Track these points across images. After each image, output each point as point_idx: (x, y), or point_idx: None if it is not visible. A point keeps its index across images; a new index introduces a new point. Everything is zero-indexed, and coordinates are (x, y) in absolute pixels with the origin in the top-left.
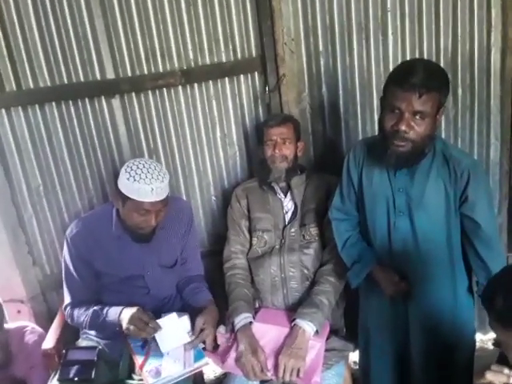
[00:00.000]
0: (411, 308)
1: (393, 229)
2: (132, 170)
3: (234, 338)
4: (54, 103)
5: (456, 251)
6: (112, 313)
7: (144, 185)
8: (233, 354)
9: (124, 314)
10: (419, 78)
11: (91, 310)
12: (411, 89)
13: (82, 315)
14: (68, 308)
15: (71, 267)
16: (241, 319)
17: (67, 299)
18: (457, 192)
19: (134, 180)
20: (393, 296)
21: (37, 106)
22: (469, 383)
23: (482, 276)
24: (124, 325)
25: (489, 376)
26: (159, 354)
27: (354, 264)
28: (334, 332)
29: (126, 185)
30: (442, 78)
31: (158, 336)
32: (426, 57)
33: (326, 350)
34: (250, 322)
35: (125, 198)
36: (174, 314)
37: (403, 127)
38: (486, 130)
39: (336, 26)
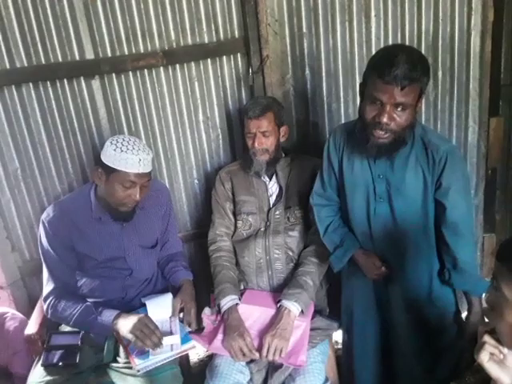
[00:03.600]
0: (392, 289)
1: (373, 215)
2: (118, 142)
3: (221, 319)
4: (31, 84)
5: (431, 235)
6: (107, 314)
7: (132, 155)
8: (219, 336)
9: (122, 320)
10: (401, 70)
11: (83, 305)
12: (393, 81)
13: (70, 308)
14: (51, 297)
15: (51, 249)
16: (227, 301)
17: (49, 286)
18: (434, 177)
19: (121, 151)
20: (375, 279)
21: (13, 86)
22: (455, 356)
23: (449, 262)
24: (126, 330)
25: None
26: None
27: (337, 249)
28: (318, 312)
29: (112, 156)
30: (424, 67)
31: (148, 304)
32: (407, 39)
33: (311, 330)
34: (237, 304)
35: (110, 172)
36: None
37: (385, 119)
38: (465, 113)
39: (319, 7)
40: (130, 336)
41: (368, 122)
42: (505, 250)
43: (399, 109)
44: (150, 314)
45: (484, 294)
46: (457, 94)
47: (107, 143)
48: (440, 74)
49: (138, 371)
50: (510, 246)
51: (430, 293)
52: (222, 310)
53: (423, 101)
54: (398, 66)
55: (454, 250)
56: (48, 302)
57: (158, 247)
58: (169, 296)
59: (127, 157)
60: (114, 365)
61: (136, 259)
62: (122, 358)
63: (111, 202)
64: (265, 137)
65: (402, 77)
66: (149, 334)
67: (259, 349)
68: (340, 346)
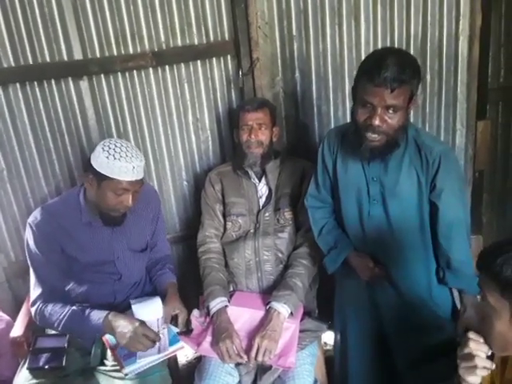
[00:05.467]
0: (386, 290)
1: (367, 217)
2: (110, 148)
3: (210, 321)
4: (18, 84)
5: (428, 236)
6: (95, 316)
7: (125, 163)
8: (208, 338)
9: (115, 327)
10: (390, 72)
11: (69, 310)
12: (382, 84)
13: (57, 313)
14: (39, 303)
15: (38, 252)
16: (216, 303)
17: (36, 291)
18: (428, 179)
19: (115, 158)
20: (369, 281)
21: (0, 87)
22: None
23: (443, 261)
24: (123, 342)
25: (471, 335)
26: None
27: (331, 250)
28: (307, 313)
29: (105, 163)
30: (414, 68)
31: (134, 307)
32: (396, 43)
33: (301, 331)
34: (226, 306)
35: (102, 179)
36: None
37: (376, 122)
38: (453, 117)
39: (309, 10)
40: (133, 346)
41: (360, 124)
42: (483, 259)
43: (390, 111)
44: (136, 317)
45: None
46: (445, 97)
47: (98, 149)
48: (428, 77)
49: (126, 375)
50: (488, 255)
51: (429, 292)
52: (211, 312)
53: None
54: (387, 68)
55: (448, 249)
56: (35, 307)
57: (148, 251)
58: (156, 299)
59: (121, 165)
60: (102, 368)
61: (125, 264)
62: (109, 361)
63: (102, 208)
64: (260, 130)
65: (391, 79)
66: (150, 346)
67: (248, 350)
68: (329, 348)
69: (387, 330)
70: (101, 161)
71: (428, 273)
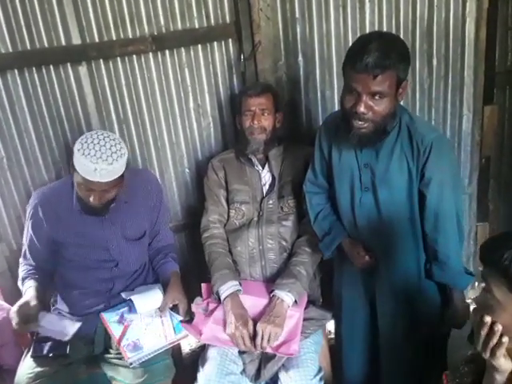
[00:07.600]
0: (378, 279)
1: (358, 204)
2: (86, 142)
3: (213, 309)
4: (16, 70)
5: (418, 227)
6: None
7: (89, 162)
8: (212, 326)
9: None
10: (372, 58)
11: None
12: (364, 71)
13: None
14: (22, 262)
15: (33, 235)
16: (228, 287)
17: (22, 258)
18: (418, 168)
19: (83, 154)
20: (361, 268)
21: None
22: (443, 352)
23: (430, 253)
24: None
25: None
26: (136, 328)
27: (325, 236)
28: (311, 302)
29: (76, 155)
30: (399, 53)
31: (134, 298)
32: (402, 25)
33: (305, 320)
34: (238, 290)
35: (74, 168)
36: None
37: (361, 109)
38: (459, 101)
39: None
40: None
41: (347, 112)
42: (488, 252)
43: (376, 97)
44: (138, 309)
45: (470, 290)
46: (451, 81)
47: (80, 138)
48: (435, 61)
49: (131, 364)
50: (492, 248)
51: (419, 283)
52: (223, 297)
53: (417, 85)
54: (369, 54)
55: (434, 242)
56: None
57: (146, 238)
58: (155, 290)
59: (84, 162)
60: (106, 356)
61: (120, 251)
62: (113, 349)
63: (79, 195)
64: (263, 115)
65: (373, 65)
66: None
67: (252, 338)
68: (333, 336)
69: (379, 316)
70: (75, 151)
71: (418, 264)
